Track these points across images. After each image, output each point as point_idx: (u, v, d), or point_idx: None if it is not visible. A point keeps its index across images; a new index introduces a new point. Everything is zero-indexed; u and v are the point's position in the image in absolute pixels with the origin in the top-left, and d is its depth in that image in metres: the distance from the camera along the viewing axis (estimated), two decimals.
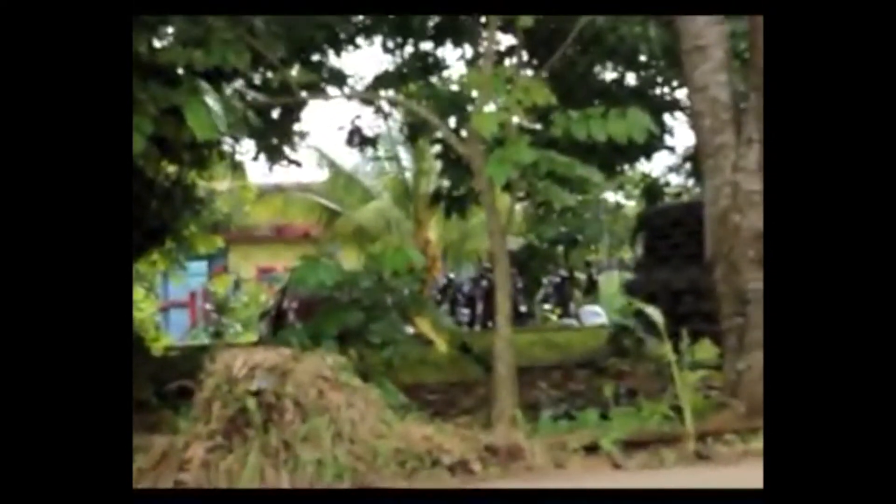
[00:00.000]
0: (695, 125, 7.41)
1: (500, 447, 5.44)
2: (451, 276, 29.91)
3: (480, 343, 12.52)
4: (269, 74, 11.80)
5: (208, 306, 33.00)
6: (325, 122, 62.99)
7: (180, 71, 7.38)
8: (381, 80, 15.69)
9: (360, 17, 14.27)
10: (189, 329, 33.08)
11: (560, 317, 27.55)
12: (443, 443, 5.32)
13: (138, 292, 22.40)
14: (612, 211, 35.23)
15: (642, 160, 17.32)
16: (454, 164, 14.06)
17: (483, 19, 11.99)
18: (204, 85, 7.29)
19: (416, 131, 15.93)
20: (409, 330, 8.44)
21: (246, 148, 17.42)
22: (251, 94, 10.18)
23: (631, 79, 15.65)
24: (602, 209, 33.77)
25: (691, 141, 18.20)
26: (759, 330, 6.58)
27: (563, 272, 29.27)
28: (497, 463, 5.33)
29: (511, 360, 7.25)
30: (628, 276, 12.74)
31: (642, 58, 14.68)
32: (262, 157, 16.58)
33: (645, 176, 20.05)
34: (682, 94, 15.38)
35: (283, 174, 39.68)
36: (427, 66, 15.77)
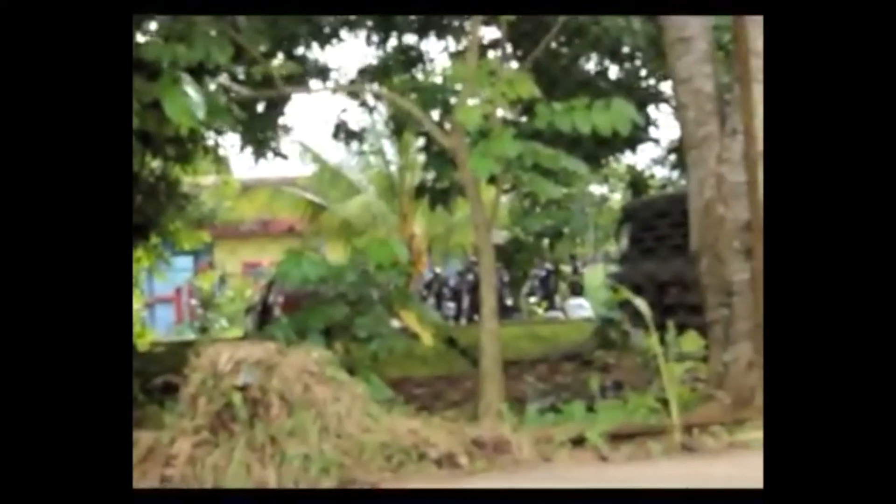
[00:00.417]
0: (679, 117, 7.41)
1: (486, 440, 5.44)
2: (437, 269, 29.96)
3: (466, 337, 12.55)
4: (253, 68, 11.78)
5: (194, 301, 33.03)
6: (309, 116, 62.89)
7: (164, 65, 7.36)
8: (366, 74, 15.69)
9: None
10: (174, 324, 33.09)
11: (546, 310, 27.61)
12: (429, 436, 5.32)
13: None
14: (598, 203, 35.32)
15: (627, 152, 17.36)
16: (438, 157, 14.05)
17: None
18: (184, 76, 7.27)
19: (400, 125, 15.92)
20: (395, 324, 8.43)
21: (230, 142, 17.42)
22: (235, 88, 10.14)
23: (614, 71, 15.66)
24: (587, 202, 33.86)
25: (675, 133, 18.26)
26: (744, 321, 6.59)
27: (549, 265, 29.32)
28: (484, 456, 5.33)
29: (497, 354, 7.26)
30: (613, 268, 12.74)
31: (626, 50, 14.71)
32: (247, 152, 16.58)
33: (630, 168, 20.08)
34: (665, 86, 15.41)
35: (267, 169, 39.72)
36: (411, 59, 15.78)
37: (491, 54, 12.06)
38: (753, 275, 6.50)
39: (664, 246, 9.77)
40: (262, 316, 20.36)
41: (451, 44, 15.78)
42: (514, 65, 11.56)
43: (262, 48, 10.13)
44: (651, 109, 15.65)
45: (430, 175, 15.69)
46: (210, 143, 17.27)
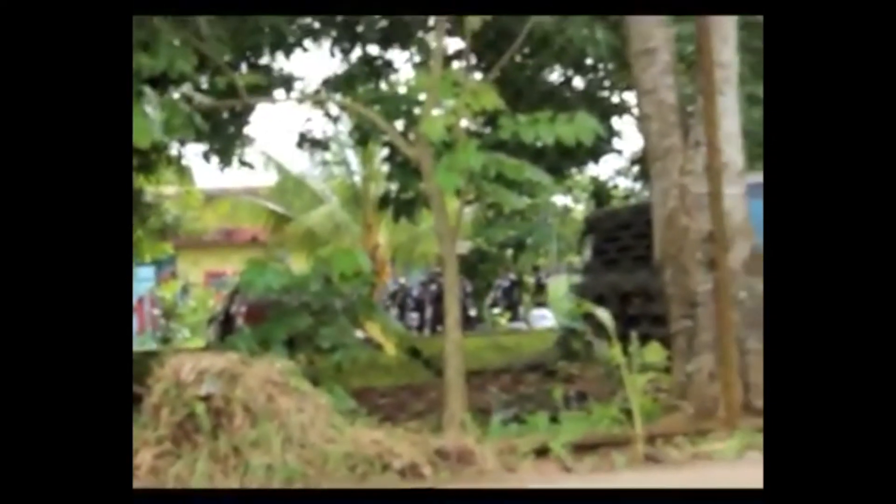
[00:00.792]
0: (643, 128, 7.44)
1: (450, 451, 5.43)
2: (401, 280, 29.93)
3: (430, 347, 12.55)
4: (217, 78, 11.75)
5: (156, 311, 32.85)
6: (272, 125, 62.80)
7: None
8: (330, 84, 15.66)
9: (308, 20, 14.25)
10: (136, 335, 32.88)
11: (509, 320, 27.63)
12: (393, 447, 5.31)
13: None
14: (561, 214, 35.36)
15: (590, 163, 17.40)
16: (402, 167, 14.05)
17: (431, 22, 11.99)
18: (146, 90, 7.25)
19: (364, 135, 15.90)
20: (359, 334, 8.42)
21: (193, 152, 17.35)
22: (198, 98, 10.10)
23: (579, 82, 15.70)
24: (550, 212, 33.89)
25: (639, 144, 18.33)
26: (707, 332, 6.61)
27: (512, 276, 29.35)
28: (448, 467, 5.32)
29: (460, 364, 7.25)
30: (577, 279, 12.77)
31: (589, 61, 14.74)
32: (211, 161, 16.52)
33: (593, 179, 20.11)
34: (628, 96, 15.46)
35: (230, 178, 39.60)
36: (375, 69, 15.77)
37: (455, 65, 12.08)
38: (716, 286, 6.53)
39: (627, 257, 9.80)
40: (225, 326, 20.27)
41: (415, 55, 15.78)
42: (478, 76, 11.57)
43: (226, 57, 10.10)
44: (615, 120, 15.70)
45: (395, 186, 15.69)
46: (173, 153, 17.22)
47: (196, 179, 26.05)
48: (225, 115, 15.38)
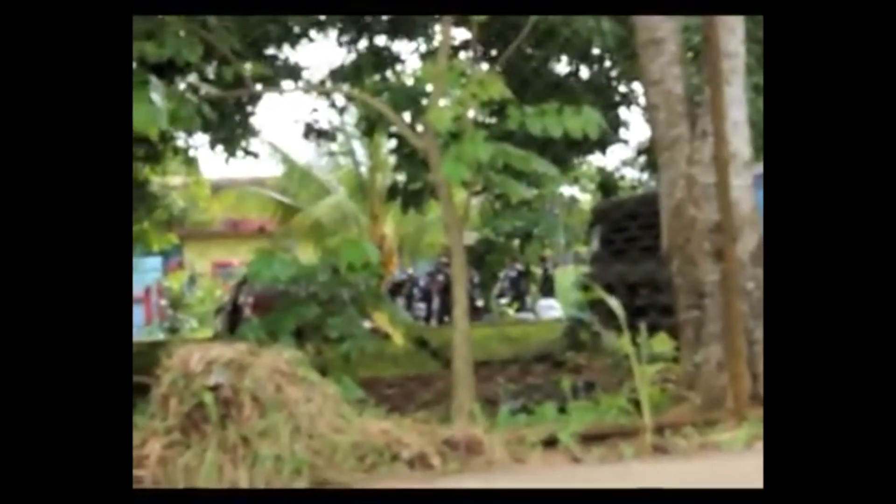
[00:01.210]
0: (650, 118, 7.43)
1: (458, 441, 5.43)
2: (409, 270, 29.95)
3: (437, 338, 12.57)
4: (223, 68, 11.76)
5: (163, 302, 32.91)
6: (279, 116, 62.74)
7: (133, 64, 7.33)
8: (336, 75, 15.67)
9: None
10: (144, 325, 32.95)
11: (516, 311, 27.64)
12: (401, 437, 5.31)
13: None
14: (568, 205, 35.36)
15: (597, 154, 17.41)
16: (410, 158, 14.06)
17: None
18: (152, 79, 7.25)
19: (371, 125, 15.91)
20: (367, 324, 8.43)
21: (199, 143, 17.36)
22: (205, 88, 10.11)
23: (585, 72, 15.71)
24: (557, 203, 33.90)
25: (645, 134, 18.33)
26: (715, 323, 6.61)
27: (520, 266, 29.36)
28: (456, 457, 5.32)
29: (468, 355, 7.26)
30: (584, 269, 12.77)
31: (596, 51, 14.74)
32: (217, 152, 16.54)
33: (600, 169, 20.13)
34: (635, 87, 15.46)
35: (237, 169, 39.64)
36: (382, 60, 15.77)
37: (462, 55, 12.08)
38: (724, 276, 6.52)
39: (634, 247, 9.79)
40: (232, 316, 20.31)
41: (421, 45, 15.78)
42: (485, 66, 11.57)
43: (233, 47, 10.11)
44: (621, 111, 15.70)
45: (402, 176, 15.69)
46: (180, 143, 17.24)
47: (202, 170, 26.10)
48: (231, 105, 15.40)
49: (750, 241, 6.64)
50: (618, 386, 6.83)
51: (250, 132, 17.01)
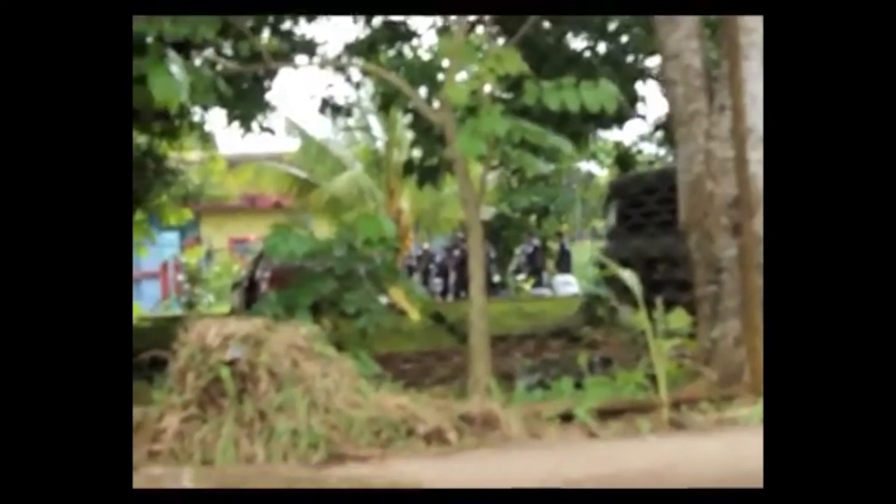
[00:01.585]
0: (668, 93, 7.40)
1: (475, 416, 5.43)
2: (425, 246, 29.98)
3: (453, 313, 12.59)
4: (240, 43, 11.75)
5: (180, 277, 33.03)
6: (295, 91, 62.71)
7: (149, 40, 7.33)
8: (352, 49, 15.65)
9: None
10: (161, 300, 33.07)
11: (533, 286, 27.67)
12: (418, 412, 5.31)
13: None
14: (585, 180, 35.35)
15: (614, 129, 17.38)
16: (426, 133, 14.05)
17: None
18: (171, 52, 7.25)
19: (387, 101, 15.89)
20: (383, 300, 8.44)
21: (216, 118, 17.40)
22: (221, 63, 10.11)
23: (602, 47, 15.67)
24: (574, 178, 33.89)
25: (662, 109, 18.27)
26: (732, 298, 6.60)
27: (536, 242, 29.37)
28: (472, 432, 5.33)
29: (485, 330, 7.26)
30: (600, 245, 12.77)
31: (613, 26, 14.70)
32: (233, 127, 16.55)
33: (617, 144, 20.09)
34: (652, 62, 15.42)
35: (253, 144, 39.69)
36: (398, 34, 15.74)
37: (479, 30, 12.04)
38: (741, 251, 6.51)
39: (652, 222, 9.79)
40: (249, 291, 20.36)
41: (437, 20, 15.74)
42: (502, 41, 11.53)
43: (249, 23, 10.10)
44: (639, 86, 15.66)
45: (419, 152, 15.68)
46: (196, 118, 17.25)
47: (219, 145, 26.14)
48: (248, 80, 15.39)
49: None
50: (634, 361, 6.83)
51: (267, 107, 17.00)
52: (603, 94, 7.16)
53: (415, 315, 8.59)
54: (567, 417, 5.72)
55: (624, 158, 19.35)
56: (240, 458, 4.90)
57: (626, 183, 12.03)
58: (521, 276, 28.28)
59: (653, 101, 51.84)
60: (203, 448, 4.96)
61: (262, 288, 18.79)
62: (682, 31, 7.11)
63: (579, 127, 13.95)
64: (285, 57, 13.56)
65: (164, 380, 5.32)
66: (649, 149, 19.73)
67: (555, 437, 5.48)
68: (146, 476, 4.59)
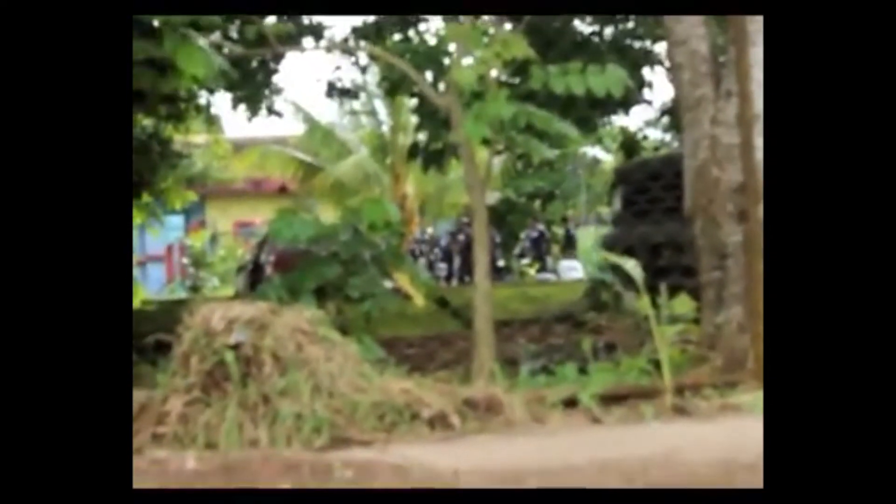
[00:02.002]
0: (674, 78, 7.40)
1: (479, 401, 5.43)
2: (430, 230, 29.95)
3: (458, 297, 12.56)
4: (246, 26, 11.74)
5: (185, 260, 33.02)
6: (301, 75, 62.57)
7: (155, 23, 7.32)
8: (359, 32, 15.63)
9: None
10: (166, 283, 33.08)
11: (538, 271, 27.65)
12: (422, 396, 5.31)
13: None
14: (590, 165, 35.32)
15: (620, 114, 17.36)
16: (431, 117, 14.03)
17: None
18: (192, 32, 7.27)
19: (393, 85, 15.87)
20: (388, 284, 8.43)
21: (222, 101, 17.45)
22: (228, 47, 10.10)
23: (609, 32, 15.64)
24: (580, 164, 33.86)
25: (669, 95, 18.24)
26: (737, 284, 6.60)
27: (541, 227, 29.34)
28: (476, 417, 5.33)
29: (489, 314, 7.26)
30: (606, 230, 12.77)
31: None
32: (239, 111, 16.55)
33: (623, 130, 20.06)
34: (659, 47, 15.39)
35: (259, 128, 39.70)
36: (404, 19, 15.71)
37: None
38: (746, 237, 6.50)
39: (657, 208, 9.80)
40: (254, 275, 20.36)
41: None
42: (508, 26, 11.52)
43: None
44: (645, 71, 15.63)
45: (424, 136, 15.67)
46: (202, 101, 17.24)
47: (225, 129, 26.12)
48: (254, 63, 15.38)
49: None
50: (639, 347, 6.83)
51: (273, 91, 16.99)
52: (610, 78, 7.15)
53: (419, 299, 8.60)
54: (571, 403, 5.72)
55: (630, 144, 19.33)
56: (243, 442, 4.90)
57: (632, 169, 12.03)
58: (526, 261, 28.23)
59: (660, 87, 51.78)
60: (207, 431, 4.97)
61: (266, 272, 18.79)
62: (690, 18, 7.10)
63: (585, 112, 13.95)
64: (292, 40, 13.53)
65: (168, 363, 5.33)
66: (655, 134, 19.74)
67: (558, 422, 5.48)
68: (150, 459, 4.59)
